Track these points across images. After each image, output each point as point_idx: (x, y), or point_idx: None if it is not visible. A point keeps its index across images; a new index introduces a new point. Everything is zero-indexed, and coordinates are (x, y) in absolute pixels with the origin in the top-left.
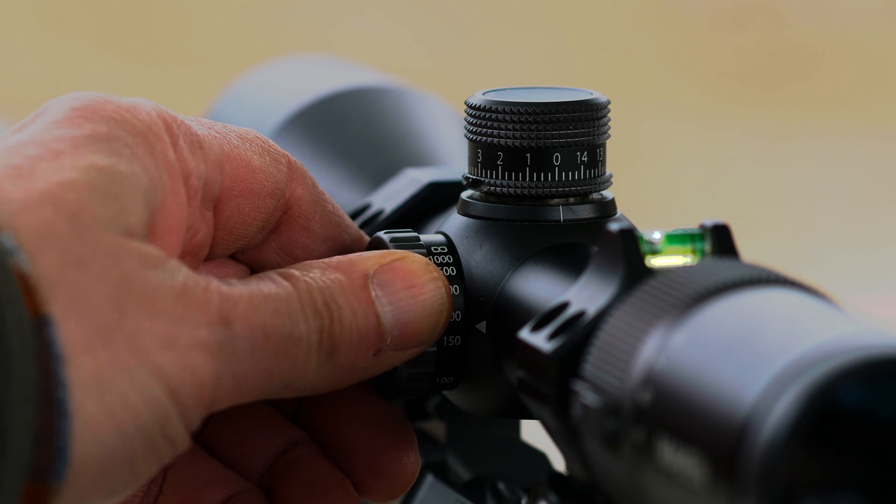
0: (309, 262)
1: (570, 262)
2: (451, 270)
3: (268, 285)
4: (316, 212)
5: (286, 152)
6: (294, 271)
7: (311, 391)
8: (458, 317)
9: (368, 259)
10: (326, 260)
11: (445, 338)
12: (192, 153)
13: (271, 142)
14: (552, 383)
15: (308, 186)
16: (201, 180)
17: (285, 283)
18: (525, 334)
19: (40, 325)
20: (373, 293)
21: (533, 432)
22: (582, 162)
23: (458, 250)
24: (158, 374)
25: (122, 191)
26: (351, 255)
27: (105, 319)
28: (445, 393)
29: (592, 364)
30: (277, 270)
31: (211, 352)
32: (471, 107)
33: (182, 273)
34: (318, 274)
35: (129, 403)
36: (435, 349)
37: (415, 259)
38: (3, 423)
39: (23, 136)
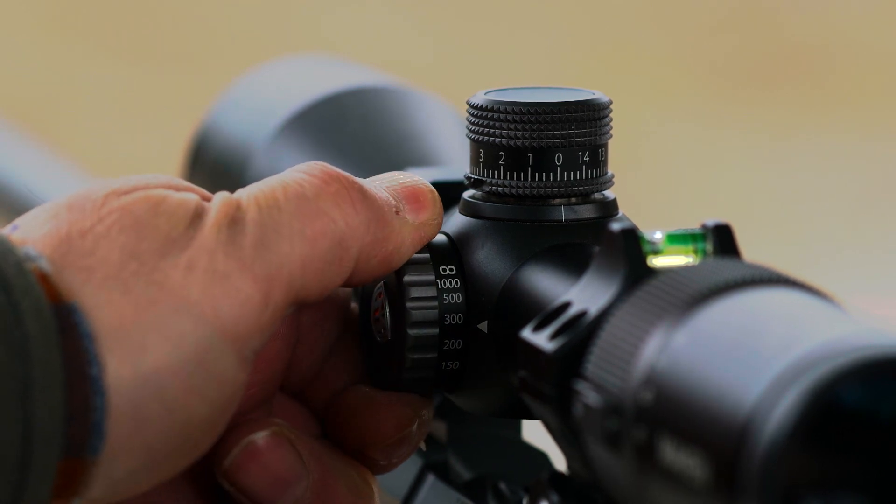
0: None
1: (572, 262)
2: (454, 278)
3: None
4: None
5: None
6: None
7: (365, 249)
8: (459, 319)
9: None
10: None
11: (447, 341)
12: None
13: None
14: (553, 383)
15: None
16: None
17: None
18: (527, 334)
19: (64, 311)
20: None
21: (534, 432)
22: (584, 162)
23: (460, 250)
24: (187, 304)
25: None
26: None
27: (118, 268)
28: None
29: (594, 364)
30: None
31: (227, 251)
32: (473, 106)
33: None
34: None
35: (149, 347)
36: (437, 331)
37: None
38: (27, 403)
39: None
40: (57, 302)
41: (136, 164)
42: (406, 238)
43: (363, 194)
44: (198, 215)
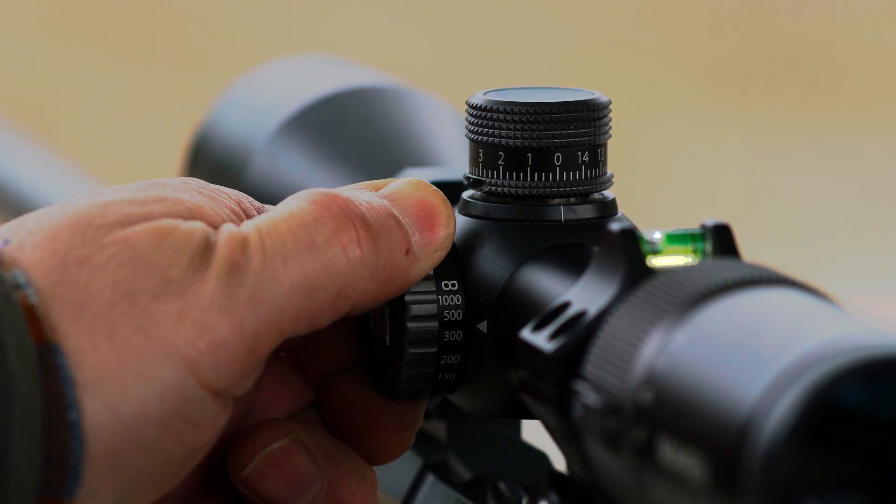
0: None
1: (571, 262)
2: (455, 294)
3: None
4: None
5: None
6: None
7: (364, 296)
8: (458, 336)
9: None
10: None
11: (445, 356)
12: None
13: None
14: (553, 383)
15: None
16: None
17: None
18: (526, 334)
19: (47, 352)
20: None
21: (533, 432)
22: (583, 162)
23: (459, 250)
24: (172, 354)
25: None
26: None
27: (108, 307)
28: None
29: (593, 364)
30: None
31: (222, 304)
32: (472, 106)
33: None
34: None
35: (130, 394)
36: (435, 349)
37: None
38: (6, 442)
39: None
40: (41, 342)
41: (136, 164)
42: (412, 277)
43: (374, 238)
44: (201, 252)
